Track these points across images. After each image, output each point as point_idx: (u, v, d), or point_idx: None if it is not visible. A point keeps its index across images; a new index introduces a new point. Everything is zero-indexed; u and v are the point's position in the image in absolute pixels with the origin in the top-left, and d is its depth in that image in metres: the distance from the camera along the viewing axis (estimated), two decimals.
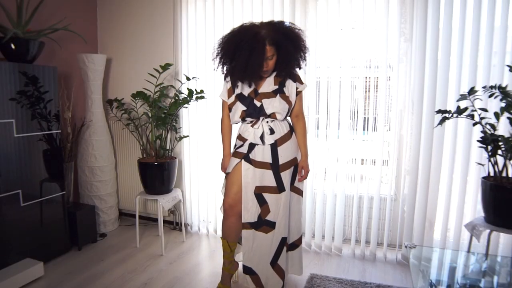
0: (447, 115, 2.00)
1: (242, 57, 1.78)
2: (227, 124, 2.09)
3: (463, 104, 1.96)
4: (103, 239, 2.95)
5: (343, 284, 2.21)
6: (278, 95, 1.93)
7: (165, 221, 3.20)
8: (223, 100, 2.07)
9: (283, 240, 1.99)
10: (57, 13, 2.85)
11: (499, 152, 1.93)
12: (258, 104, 1.92)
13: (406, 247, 2.18)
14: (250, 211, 1.95)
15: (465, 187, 2.34)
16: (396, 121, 2.48)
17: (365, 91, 2.56)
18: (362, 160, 2.62)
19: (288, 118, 2.05)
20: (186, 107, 2.92)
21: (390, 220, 2.59)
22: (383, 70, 2.43)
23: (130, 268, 2.46)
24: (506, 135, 1.91)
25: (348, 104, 2.56)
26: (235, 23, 2.64)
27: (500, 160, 1.96)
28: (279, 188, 1.94)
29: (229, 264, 2.10)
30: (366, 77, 2.54)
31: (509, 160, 1.90)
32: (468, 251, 2.12)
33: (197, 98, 2.74)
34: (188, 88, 2.74)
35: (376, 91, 2.53)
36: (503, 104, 1.90)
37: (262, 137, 1.93)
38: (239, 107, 1.95)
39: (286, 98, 1.94)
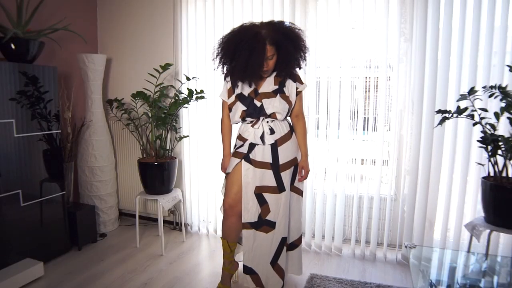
0: (447, 115, 2.00)
1: (242, 57, 1.78)
2: (227, 124, 2.09)
3: (463, 104, 1.96)
4: (103, 239, 2.95)
5: (343, 284, 2.21)
6: (278, 95, 1.93)
7: (165, 221, 3.20)
8: (223, 100, 2.07)
9: (283, 240, 1.99)
10: (57, 13, 2.85)
11: (499, 152, 1.93)
12: (258, 104, 1.92)
13: (406, 247, 2.18)
14: (250, 211, 1.95)
15: (465, 187, 2.34)
16: (396, 121, 2.48)
17: (365, 91, 2.56)
18: (362, 160, 2.62)
19: (288, 118, 2.05)
20: (186, 107, 2.92)
21: (390, 220, 2.59)
22: (383, 70, 2.43)
23: (130, 268, 2.46)
24: (506, 135, 1.91)
25: (348, 104, 2.56)
26: (235, 23, 2.64)
27: (500, 160, 1.96)
28: (279, 188, 1.95)
29: (229, 264, 2.10)
30: (366, 77, 2.54)
31: (509, 160, 1.90)
32: (468, 251, 2.12)
33: (197, 98, 2.74)
34: (188, 88, 2.74)
35: (376, 91, 2.53)
36: (503, 104, 1.90)
37: (262, 137, 1.93)
38: (239, 107, 1.95)
39: (286, 98, 1.94)
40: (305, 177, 2.07)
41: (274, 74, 1.95)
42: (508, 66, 2.00)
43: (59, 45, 2.79)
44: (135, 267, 2.47)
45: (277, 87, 1.94)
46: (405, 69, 2.43)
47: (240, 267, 2.13)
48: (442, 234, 2.42)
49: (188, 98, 2.72)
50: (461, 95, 1.97)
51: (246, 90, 1.95)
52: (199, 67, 2.93)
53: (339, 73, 2.55)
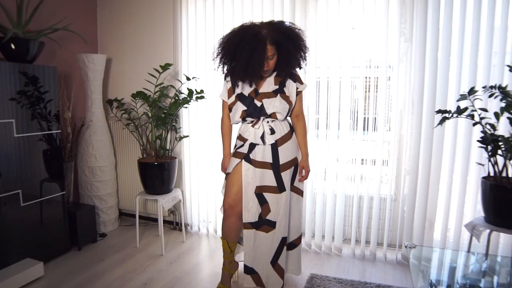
0: (447, 115, 2.00)
1: (243, 56, 1.78)
2: (227, 124, 2.09)
3: (463, 104, 1.96)
4: (103, 239, 2.95)
5: (343, 284, 2.21)
6: (278, 95, 1.93)
7: (165, 221, 3.20)
8: (223, 100, 2.07)
9: (283, 240, 1.99)
10: (57, 13, 2.85)
11: (499, 152, 1.93)
12: (258, 104, 1.92)
13: (406, 247, 2.18)
14: (250, 211, 1.95)
15: (465, 187, 2.35)
16: (396, 121, 2.48)
17: (365, 91, 2.56)
18: (362, 160, 2.62)
19: (288, 118, 2.05)
20: (186, 107, 2.92)
21: (390, 220, 2.59)
22: (383, 70, 2.43)
23: (130, 268, 2.46)
24: (506, 135, 1.91)
25: (348, 104, 2.56)
26: (235, 23, 2.64)
27: (500, 160, 1.96)
28: (280, 188, 1.95)
29: (229, 264, 2.10)
30: (366, 77, 2.54)
31: (509, 160, 1.90)
32: (468, 251, 2.12)
33: (197, 98, 2.74)
34: (188, 88, 2.74)
35: (376, 91, 2.53)
36: (503, 104, 1.90)
37: (262, 137, 1.93)
38: (240, 107, 1.95)
39: (286, 98, 1.94)
40: (306, 177, 2.07)
41: (274, 74, 1.95)
42: (508, 66, 2.00)
43: (59, 45, 2.79)
44: (135, 267, 2.47)
45: (277, 87, 1.94)
46: (405, 69, 2.43)
47: (241, 267, 2.13)
48: (442, 234, 2.42)
49: (188, 98, 2.72)
50: (461, 95, 1.97)
51: (247, 90, 1.95)
52: (199, 67, 2.93)
53: (339, 73, 2.55)
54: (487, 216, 1.98)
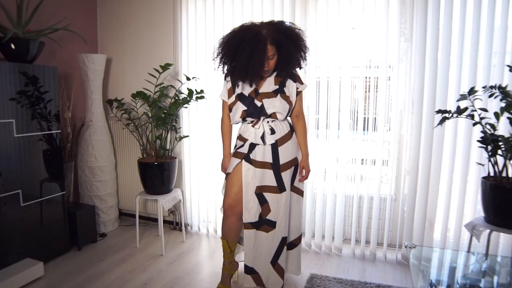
0: (447, 115, 2.00)
1: (244, 56, 1.78)
2: (227, 124, 2.09)
3: (463, 104, 1.96)
4: (103, 239, 2.95)
5: (343, 284, 2.21)
6: (278, 95, 1.93)
7: (165, 221, 3.20)
8: (223, 100, 2.07)
9: (284, 240, 1.99)
10: (57, 13, 2.85)
11: (499, 152, 1.93)
12: (258, 104, 1.92)
13: (406, 247, 2.18)
14: (251, 211, 1.95)
15: (465, 187, 2.35)
16: (396, 121, 2.48)
17: (365, 91, 2.56)
18: (362, 160, 2.62)
19: (288, 118, 2.05)
20: (186, 107, 2.92)
21: (390, 220, 2.59)
22: (383, 70, 2.43)
23: (130, 268, 2.46)
24: (506, 135, 1.91)
25: (348, 104, 2.56)
26: (235, 23, 2.64)
27: (500, 160, 1.96)
28: (280, 188, 1.95)
29: (229, 264, 2.10)
30: (366, 77, 2.54)
31: (509, 160, 1.90)
32: (468, 251, 2.12)
33: (197, 98, 2.74)
34: (188, 88, 2.74)
35: (376, 91, 2.53)
36: (503, 104, 1.90)
37: (263, 137, 1.93)
38: (240, 107, 1.95)
39: (286, 98, 1.94)
40: (306, 177, 2.07)
41: (275, 74, 1.95)
42: (508, 66, 2.00)
43: (59, 45, 2.79)
44: (135, 267, 2.47)
45: (277, 87, 1.94)
46: (405, 69, 2.43)
47: (241, 267, 2.13)
48: (442, 234, 2.42)
49: (188, 98, 2.72)
50: (461, 95, 1.97)
51: (247, 90, 1.95)
52: (199, 67, 2.93)
53: (339, 73, 2.55)
54: (487, 216, 1.98)
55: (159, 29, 3.05)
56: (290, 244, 2.12)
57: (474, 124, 2.00)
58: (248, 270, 2.00)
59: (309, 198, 2.70)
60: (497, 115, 1.94)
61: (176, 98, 2.77)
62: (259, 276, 2.00)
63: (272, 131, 1.93)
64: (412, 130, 2.44)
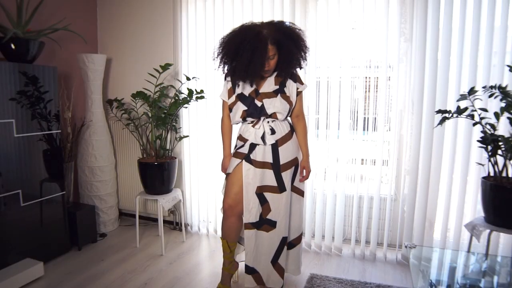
0: (447, 115, 2.00)
1: (244, 56, 1.77)
2: (227, 124, 2.09)
3: (463, 104, 1.96)
4: (103, 239, 2.95)
5: (343, 284, 2.21)
6: (279, 95, 1.93)
7: (165, 221, 3.20)
8: (223, 100, 2.07)
9: (284, 240, 1.99)
10: (57, 13, 2.85)
11: (499, 152, 1.94)
12: (259, 104, 1.92)
13: (406, 247, 2.18)
14: (251, 212, 1.95)
15: (465, 187, 2.35)
16: (396, 121, 2.48)
17: (365, 91, 2.56)
18: (362, 160, 2.62)
19: (289, 118, 2.05)
20: (186, 107, 2.92)
21: (390, 220, 2.59)
22: (383, 70, 2.43)
23: (130, 268, 2.46)
24: (506, 135, 1.91)
25: (348, 104, 2.56)
26: (235, 23, 2.64)
27: (500, 160, 1.96)
28: (280, 188, 1.95)
29: (229, 264, 2.10)
30: (366, 77, 2.54)
31: (509, 160, 1.90)
32: (468, 251, 2.12)
33: (197, 98, 2.74)
34: (188, 88, 2.74)
35: (376, 91, 2.53)
36: (503, 104, 1.90)
37: (263, 137, 1.93)
38: (240, 107, 1.95)
39: (287, 98, 1.94)
40: (307, 177, 2.07)
41: (275, 74, 1.95)
42: (508, 66, 2.00)
43: (59, 45, 2.79)
44: (135, 267, 2.47)
45: (277, 87, 1.94)
46: (405, 69, 2.43)
47: (241, 267, 2.13)
48: (442, 234, 2.42)
49: (188, 98, 2.72)
50: (461, 95, 1.97)
51: (247, 90, 1.95)
52: (199, 67, 2.93)
53: (339, 73, 2.55)
54: (487, 216, 1.98)
55: (159, 29, 3.05)
56: (290, 244, 2.12)
57: (474, 124, 2.00)
58: (249, 270, 2.00)
59: (309, 198, 2.70)
60: (497, 115, 1.94)
61: (176, 98, 2.77)
62: (260, 275, 2.00)
63: (273, 131, 1.93)
64: (412, 130, 2.44)
